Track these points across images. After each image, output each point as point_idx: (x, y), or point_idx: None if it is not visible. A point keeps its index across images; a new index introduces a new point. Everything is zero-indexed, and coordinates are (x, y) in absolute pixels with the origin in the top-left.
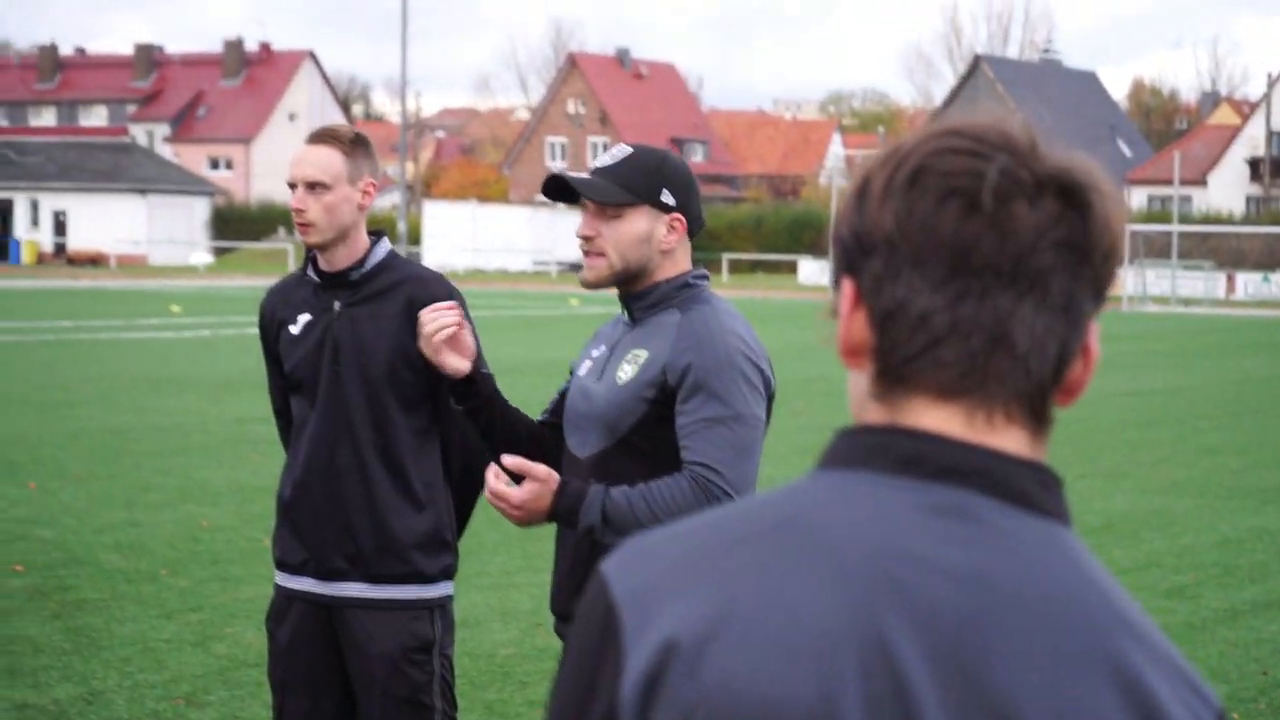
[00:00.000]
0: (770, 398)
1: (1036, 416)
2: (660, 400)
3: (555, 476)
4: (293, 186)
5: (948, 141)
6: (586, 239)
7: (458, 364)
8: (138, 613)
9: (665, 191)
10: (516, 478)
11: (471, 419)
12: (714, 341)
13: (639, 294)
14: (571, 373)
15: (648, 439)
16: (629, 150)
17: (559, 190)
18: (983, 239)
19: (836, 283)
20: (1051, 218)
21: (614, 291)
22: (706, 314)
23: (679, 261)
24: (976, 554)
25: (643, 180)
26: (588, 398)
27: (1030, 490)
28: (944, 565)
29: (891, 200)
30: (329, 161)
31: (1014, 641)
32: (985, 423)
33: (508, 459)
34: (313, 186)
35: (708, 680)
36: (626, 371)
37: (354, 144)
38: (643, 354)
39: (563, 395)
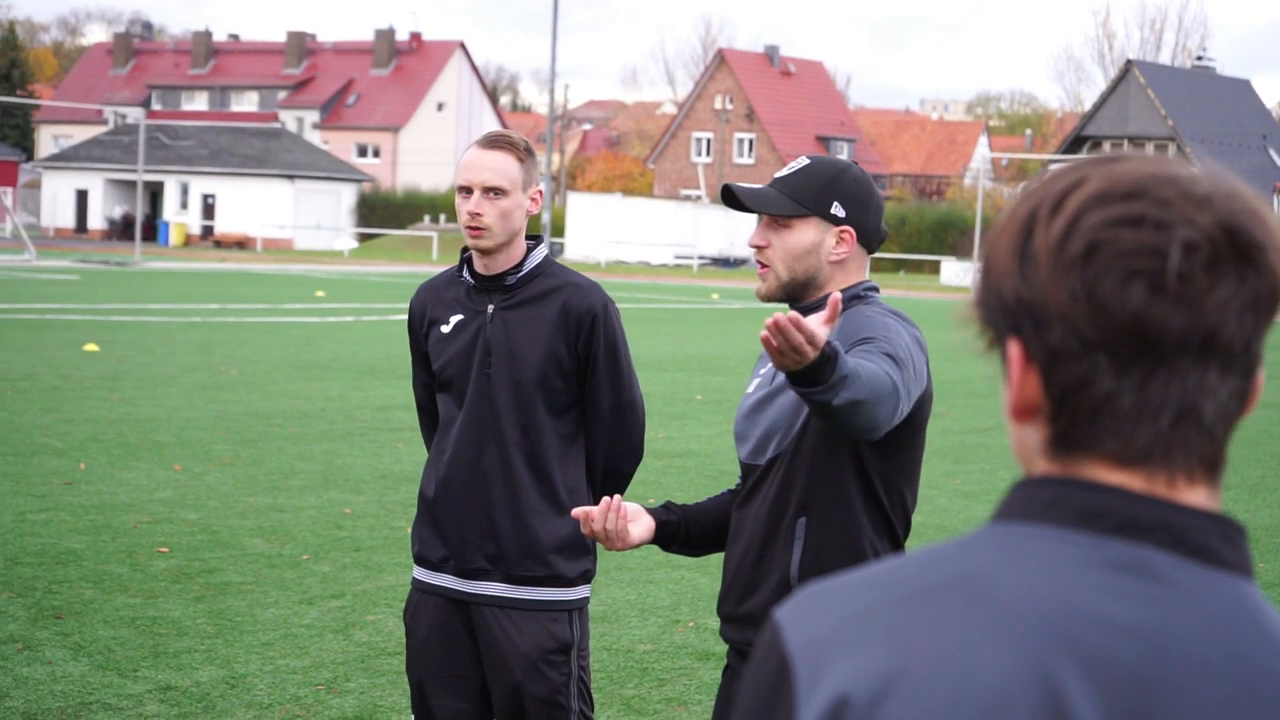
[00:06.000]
0: (928, 397)
1: (1214, 470)
2: None
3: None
4: (467, 190)
5: (1121, 210)
6: (757, 249)
7: (641, 535)
8: (280, 598)
9: (836, 204)
10: None
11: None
12: (874, 320)
13: (808, 307)
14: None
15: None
16: (806, 161)
17: (736, 200)
18: (1170, 320)
19: (996, 336)
20: (1234, 285)
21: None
22: (870, 308)
23: (851, 274)
24: (1155, 611)
25: (813, 191)
26: (760, 408)
27: (1212, 544)
28: (1121, 623)
29: (1065, 275)
30: (506, 167)
31: (1192, 703)
32: (1166, 485)
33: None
34: (489, 191)
35: None
36: None
37: (528, 152)
38: None
39: None
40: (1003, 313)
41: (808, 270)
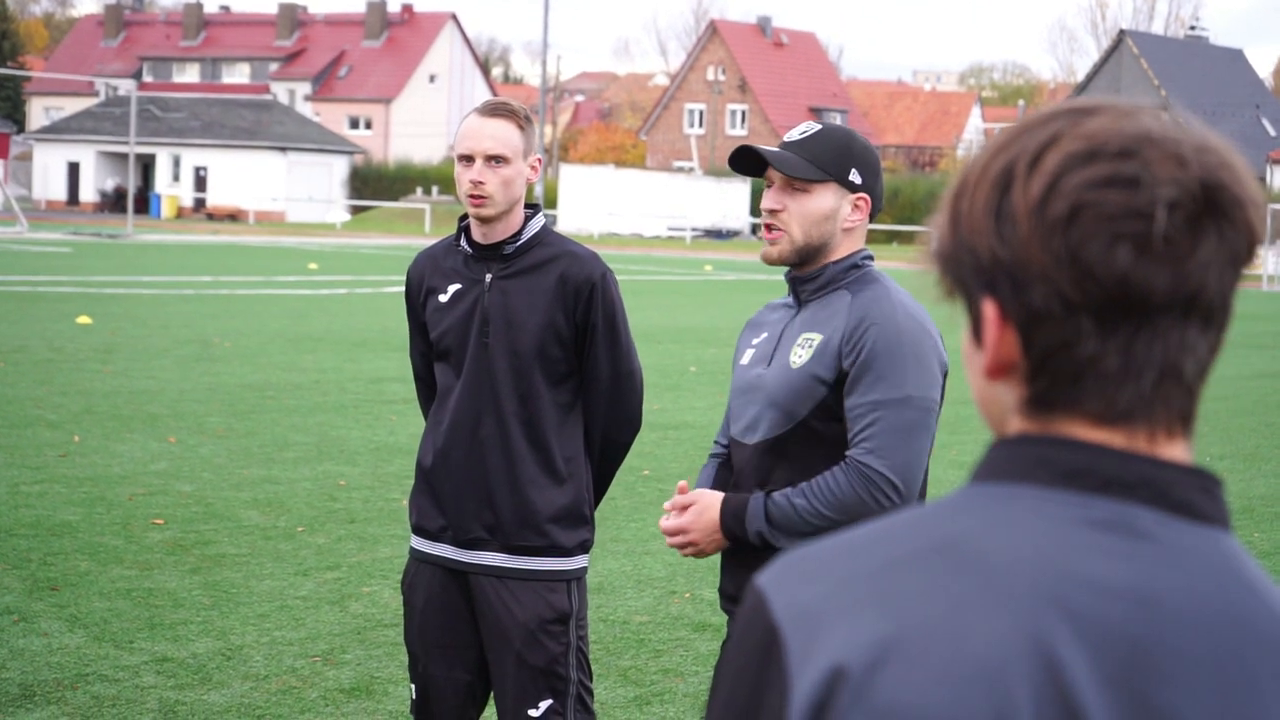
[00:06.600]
0: (944, 374)
1: (1189, 423)
2: (838, 381)
3: (715, 495)
4: (469, 159)
5: (1102, 171)
6: (771, 212)
7: None
8: (276, 569)
9: (854, 171)
10: None
11: None
12: (885, 321)
13: (808, 276)
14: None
15: (826, 422)
16: (818, 127)
17: (745, 161)
18: (1155, 281)
19: (958, 287)
20: (1215, 243)
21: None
22: (879, 293)
23: (854, 242)
24: (1142, 570)
25: (833, 157)
26: (757, 384)
27: (1192, 498)
28: (1111, 584)
29: (1048, 238)
30: (508, 135)
31: (1184, 663)
32: (1147, 441)
33: (670, 502)
34: (491, 160)
35: (878, 708)
36: (800, 355)
37: (527, 120)
38: (816, 337)
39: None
40: (976, 271)
41: (823, 235)
